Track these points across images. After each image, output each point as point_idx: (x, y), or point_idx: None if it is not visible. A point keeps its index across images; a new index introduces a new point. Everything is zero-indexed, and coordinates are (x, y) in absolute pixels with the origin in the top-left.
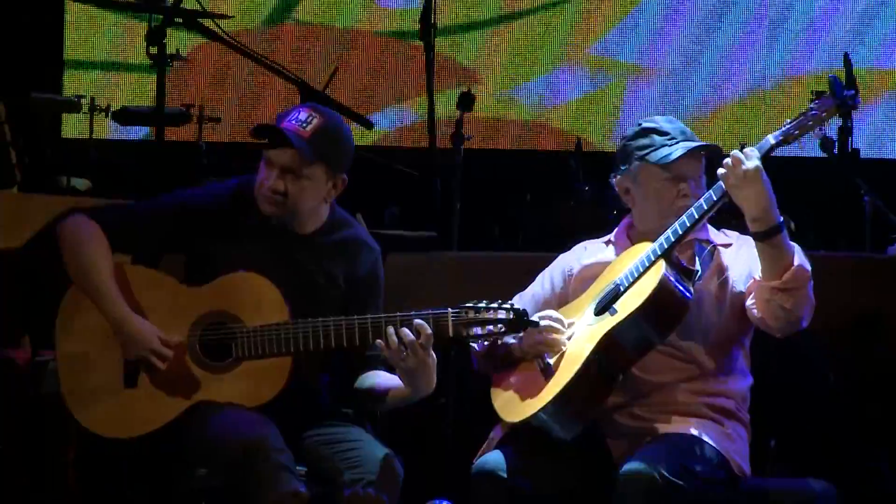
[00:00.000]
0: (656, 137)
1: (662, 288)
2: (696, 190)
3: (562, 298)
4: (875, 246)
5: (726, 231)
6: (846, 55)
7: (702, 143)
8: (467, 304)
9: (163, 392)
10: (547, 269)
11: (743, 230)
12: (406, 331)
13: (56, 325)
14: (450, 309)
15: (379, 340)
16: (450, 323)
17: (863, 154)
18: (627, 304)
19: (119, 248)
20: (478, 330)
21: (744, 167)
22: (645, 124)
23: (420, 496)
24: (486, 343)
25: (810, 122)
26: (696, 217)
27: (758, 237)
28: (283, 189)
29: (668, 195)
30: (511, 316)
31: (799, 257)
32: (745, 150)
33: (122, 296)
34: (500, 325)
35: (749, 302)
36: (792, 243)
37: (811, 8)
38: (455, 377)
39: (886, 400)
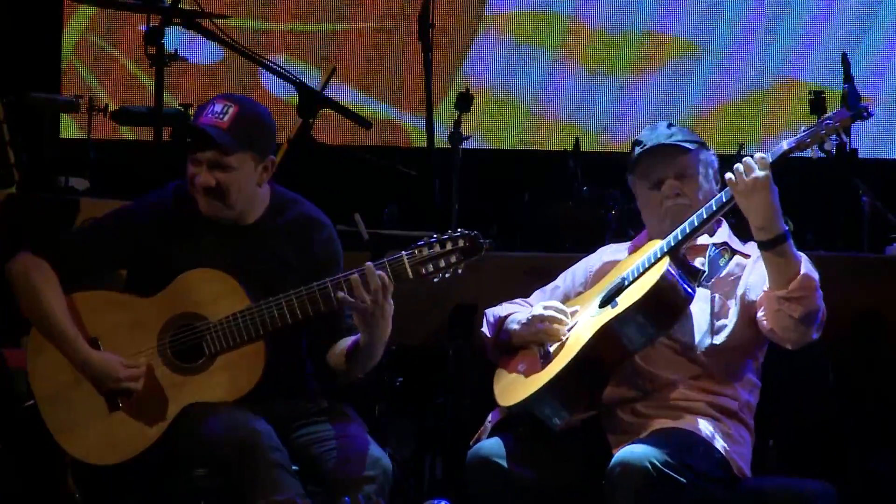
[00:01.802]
0: (636, 149)
1: (664, 282)
2: (684, 186)
3: (578, 296)
4: (873, 246)
5: (751, 243)
6: (844, 55)
7: (654, 144)
8: (420, 243)
9: (148, 407)
10: (572, 267)
11: (743, 232)
12: (372, 277)
13: (27, 370)
14: (403, 252)
15: (341, 293)
16: (406, 265)
17: (861, 154)
18: (629, 297)
19: (69, 279)
20: (436, 265)
21: (754, 175)
22: (635, 138)
23: (419, 495)
24: (447, 275)
25: (823, 132)
26: (705, 217)
27: (763, 246)
28: (213, 183)
29: (654, 202)
30: (465, 244)
31: (805, 266)
32: (756, 156)
33: (79, 334)
34: (455, 255)
35: (760, 314)
36: (799, 252)
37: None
38: (454, 377)
39: (886, 400)
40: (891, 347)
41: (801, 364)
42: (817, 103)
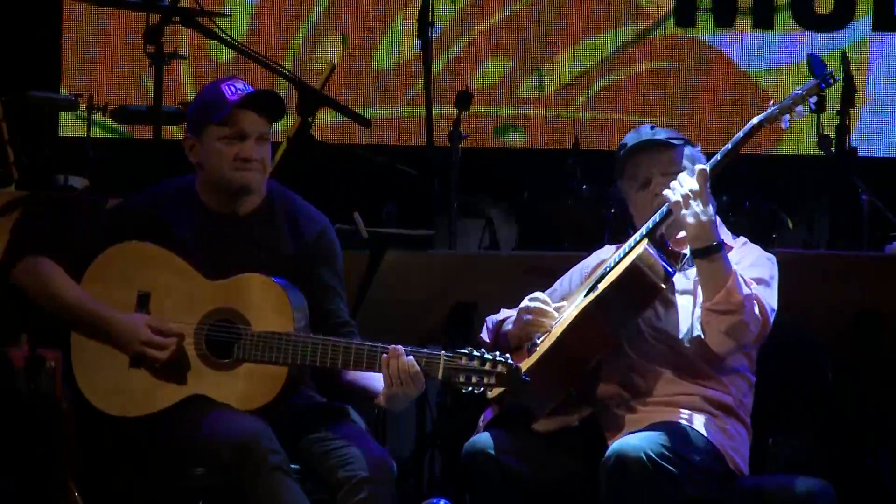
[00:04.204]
0: (621, 153)
1: (640, 260)
2: (671, 183)
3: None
4: (873, 244)
5: (737, 237)
6: (844, 54)
7: (636, 142)
8: (462, 350)
9: (164, 377)
10: (570, 270)
11: (739, 228)
12: (412, 361)
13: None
14: (443, 352)
15: (384, 355)
16: (440, 365)
17: (860, 153)
18: (608, 280)
19: (73, 268)
20: (468, 378)
21: (688, 187)
22: (620, 142)
23: (419, 495)
24: (475, 392)
25: (790, 101)
26: (659, 218)
27: (694, 255)
28: (259, 157)
29: (643, 202)
30: (503, 371)
31: (734, 281)
32: (697, 167)
33: (99, 304)
34: (491, 378)
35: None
36: (731, 267)
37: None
38: None
39: (886, 399)
40: (890, 346)
41: (799, 362)
42: (817, 101)
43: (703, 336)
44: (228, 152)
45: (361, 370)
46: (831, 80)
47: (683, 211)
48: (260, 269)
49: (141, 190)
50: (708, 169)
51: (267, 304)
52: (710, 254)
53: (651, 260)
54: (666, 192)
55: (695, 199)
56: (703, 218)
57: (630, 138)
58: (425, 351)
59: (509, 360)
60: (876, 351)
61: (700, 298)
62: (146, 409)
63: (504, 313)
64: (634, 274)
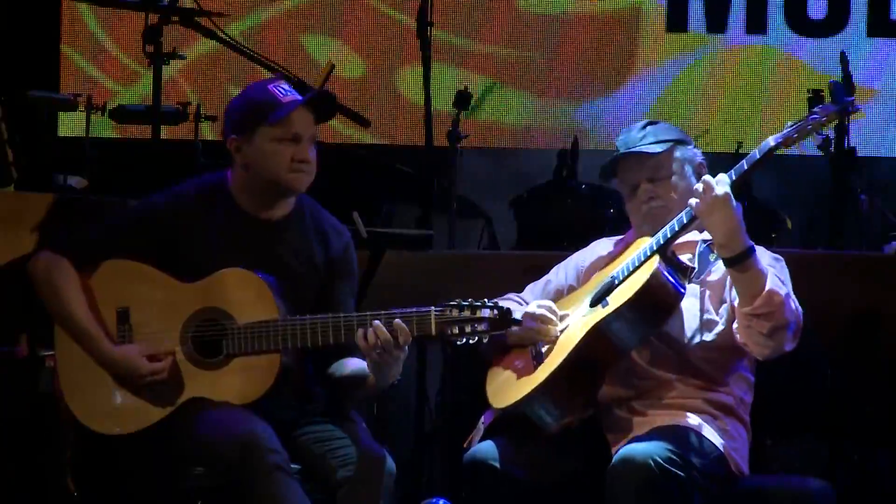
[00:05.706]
0: (612, 157)
1: (654, 280)
2: (658, 188)
3: (571, 291)
4: (872, 244)
5: None
6: (843, 54)
7: (623, 153)
8: (451, 303)
9: (156, 389)
10: (563, 262)
11: (759, 238)
12: (384, 329)
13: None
14: (433, 308)
15: (360, 330)
16: (433, 322)
17: (859, 153)
18: (619, 297)
19: (90, 270)
20: (461, 328)
21: (713, 193)
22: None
23: (418, 495)
24: (471, 341)
25: (810, 126)
26: (693, 215)
27: (726, 263)
28: (313, 159)
29: (634, 205)
30: (495, 315)
31: (771, 281)
32: (718, 176)
33: (101, 332)
34: (483, 324)
35: (734, 326)
36: (765, 268)
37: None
38: (451, 375)
39: (884, 398)
40: (889, 346)
41: (799, 363)
42: (816, 102)
43: (741, 341)
44: (285, 154)
45: (353, 340)
46: (852, 109)
47: (708, 219)
48: (292, 275)
49: (163, 190)
50: (733, 176)
51: (248, 296)
52: (740, 262)
53: (663, 280)
54: (691, 199)
55: (721, 207)
56: (730, 226)
57: (620, 142)
58: (414, 310)
59: (498, 304)
60: (875, 351)
61: (706, 303)
62: (144, 423)
63: (508, 302)
64: (648, 295)
